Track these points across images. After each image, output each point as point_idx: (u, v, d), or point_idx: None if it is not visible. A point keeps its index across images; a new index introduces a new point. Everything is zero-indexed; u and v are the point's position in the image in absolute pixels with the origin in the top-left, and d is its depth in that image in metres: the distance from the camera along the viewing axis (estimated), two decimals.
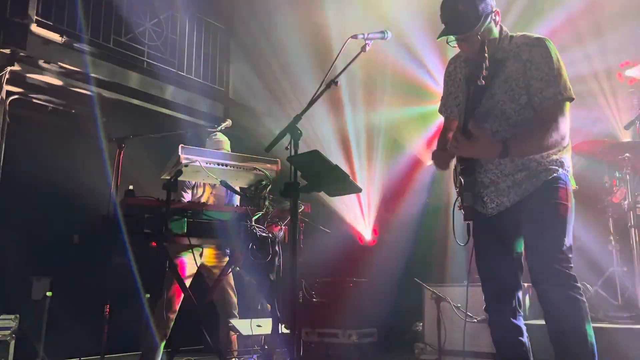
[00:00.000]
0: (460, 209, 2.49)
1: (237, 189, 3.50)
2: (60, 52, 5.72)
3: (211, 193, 4.30)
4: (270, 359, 3.75)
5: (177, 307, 3.96)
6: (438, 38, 2.34)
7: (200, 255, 4.10)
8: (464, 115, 2.29)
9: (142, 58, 6.67)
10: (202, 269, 4.15)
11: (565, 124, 2.27)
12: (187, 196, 4.21)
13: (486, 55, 2.19)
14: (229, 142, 4.41)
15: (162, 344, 3.90)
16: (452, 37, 2.35)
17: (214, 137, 4.35)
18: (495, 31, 2.37)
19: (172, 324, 3.90)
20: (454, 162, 2.58)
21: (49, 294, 4.94)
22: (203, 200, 4.22)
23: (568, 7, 5.32)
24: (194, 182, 4.23)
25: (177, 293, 3.91)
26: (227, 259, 4.16)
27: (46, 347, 4.86)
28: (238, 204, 4.28)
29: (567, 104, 2.30)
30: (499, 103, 2.35)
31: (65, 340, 4.97)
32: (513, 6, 5.24)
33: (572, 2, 5.31)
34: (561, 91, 2.26)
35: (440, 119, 2.83)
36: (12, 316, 4.65)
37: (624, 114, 5.21)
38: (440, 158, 2.55)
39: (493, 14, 2.32)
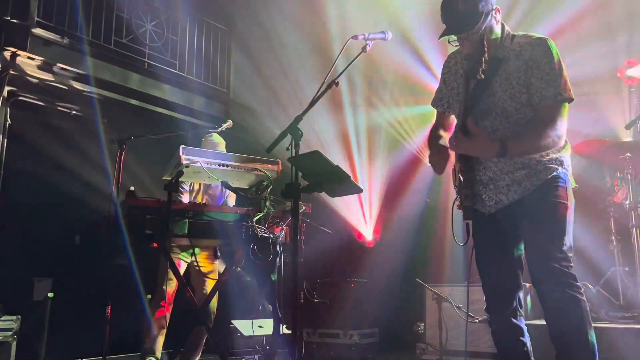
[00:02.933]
0: (459, 209, 2.49)
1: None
2: (61, 53, 5.73)
3: (206, 193, 4.29)
4: (272, 359, 3.75)
5: (172, 300, 3.96)
6: (439, 38, 2.34)
7: (192, 255, 4.08)
8: (463, 112, 2.28)
9: (143, 59, 6.67)
10: (190, 269, 4.15)
11: (563, 124, 2.27)
12: (185, 197, 4.20)
13: (486, 49, 2.19)
14: (224, 143, 4.39)
15: (162, 337, 3.90)
16: (453, 37, 2.35)
17: (209, 138, 4.34)
18: (497, 29, 2.37)
19: (169, 315, 3.90)
20: (452, 162, 2.57)
21: (50, 295, 4.95)
22: (198, 200, 4.22)
23: (571, 7, 5.32)
24: (190, 183, 4.23)
25: (170, 286, 3.93)
26: (217, 262, 4.17)
27: (48, 348, 4.86)
28: (233, 204, 4.28)
29: (566, 104, 2.30)
30: (499, 101, 2.35)
31: (66, 341, 4.97)
32: (516, 5, 5.23)
33: (575, 2, 5.31)
34: (561, 91, 2.27)
35: None
36: (14, 317, 4.65)
37: (625, 113, 5.21)
38: (437, 161, 2.50)
39: (494, 11, 2.32)
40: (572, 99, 2.29)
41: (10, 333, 4.59)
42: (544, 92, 2.27)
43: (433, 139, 2.63)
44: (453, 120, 2.64)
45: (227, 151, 4.34)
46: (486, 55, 2.20)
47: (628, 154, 4.36)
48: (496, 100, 2.35)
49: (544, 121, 2.28)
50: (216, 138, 4.35)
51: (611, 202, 4.55)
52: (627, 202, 4.38)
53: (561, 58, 2.32)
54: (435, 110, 2.73)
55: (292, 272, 2.43)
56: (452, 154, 2.47)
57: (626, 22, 5.22)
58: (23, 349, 4.74)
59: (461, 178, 2.43)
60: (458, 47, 2.42)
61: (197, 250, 4.09)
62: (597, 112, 5.29)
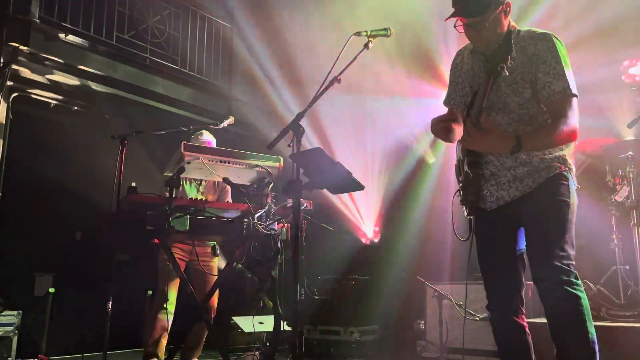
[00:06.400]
0: (462, 204, 2.48)
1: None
2: (62, 48, 5.72)
3: (198, 191, 4.26)
4: (272, 356, 3.76)
5: (173, 301, 3.96)
6: (446, 20, 2.31)
7: (190, 253, 4.06)
8: (479, 108, 2.24)
9: (145, 55, 6.67)
10: (190, 267, 4.14)
11: (575, 118, 2.25)
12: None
13: (512, 45, 2.14)
14: (215, 140, 4.35)
15: (165, 339, 3.90)
16: (459, 23, 2.31)
17: (200, 136, 4.29)
18: (504, 23, 2.34)
19: (171, 317, 3.90)
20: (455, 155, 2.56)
21: (51, 290, 4.96)
22: (191, 197, 4.18)
23: (573, 4, 5.30)
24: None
25: (171, 287, 3.92)
26: (216, 259, 4.16)
27: (49, 343, 4.88)
28: (229, 199, 4.26)
29: (575, 99, 2.29)
30: (502, 96, 2.33)
31: (67, 336, 4.99)
32: (516, 3, 5.21)
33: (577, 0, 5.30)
34: (570, 85, 2.26)
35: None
36: (15, 312, 4.67)
37: (627, 112, 5.20)
38: (441, 129, 2.30)
39: (505, 4, 2.30)
40: (577, 96, 2.28)
41: (11, 328, 4.60)
42: (552, 86, 2.26)
43: None
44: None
45: (227, 148, 4.31)
46: (513, 52, 2.14)
47: (630, 152, 4.36)
48: (499, 95, 2.33)
49: (556, 117, 2.26)
50: (206, 135, 4.31)
51: (613, 200, 4.54)
52: (629, 200, 4.37)
53: (566, 52, 2.30)
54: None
55: (293, 268, 2.44)
56: (457, 132, 2.41)
57: (629, 20, 5.20)
58: (24, 344, 4.76)
59: (470, 173, 2.41)
60: (463, 34, 2.37)
61: (196, 246, 4.07)
62: (599, 111, 5.28)
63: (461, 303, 4.39)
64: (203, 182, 4.25)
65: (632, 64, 5.28)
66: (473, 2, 2.24)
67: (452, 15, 2.28)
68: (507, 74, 2.19)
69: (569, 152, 2.40)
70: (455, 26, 2.34)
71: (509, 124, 2.34)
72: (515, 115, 2.33)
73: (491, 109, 2.34)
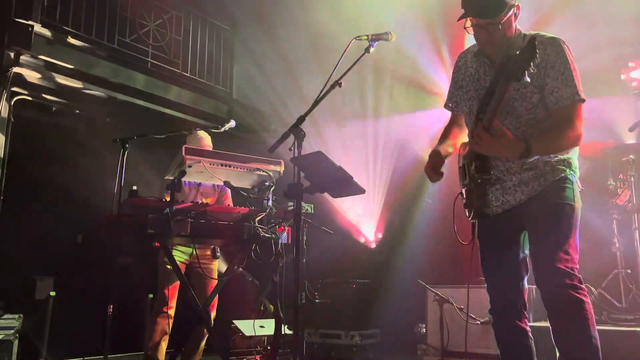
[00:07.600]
0: (465, 208, 2.47)
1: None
2: (64, 52, 5.73)
3: (198, 192, 4.25)
4: None
5: (173, 304, 3.95)
6: (458, 20, 2.29)
7: (190, 255, 4.06)
8: (492, 112, 2.22)
9: (146, 59, 6.67)
10: (190, 270, 4.14)
11: (581, 124, 2.26)
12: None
13: (537, 51, 2.09)
14: (210, 137, 4.34)
15: (165, 342, 3.90)
16: (469, 23, 2.30)
17: (195, 135, 4.28)
18: (514, 26, 2.34)
19: (171, 320, 3.89)
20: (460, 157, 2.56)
21: (52, 293, 4.96)
22: (190, 199, 4.17)
23: (574, 8, 5.30)
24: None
25: (172, 290, 3.92)
26: (216, 262, 4.15)
27: (49, 346, 4.87)
28: (230, 203, 4.26)
29: (581, 104, 2.29)
30: (510, 100, 2.32)
31: (68, 339, 4.98)
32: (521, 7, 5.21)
33: (578, 3, 5.30)
34: (578, 91, 2.26)
35: (443, 118, 2.79)
36: (16, 316, 4.66)
37: (629, 116, 5.20)
38: (431, 174, 2.44)
39: (515, 7, 2.29)
40: (584, 100, 2.28)
41: (12, 331, 4.59)
42: (560, 92, 2.26)
43: (443, 136, 2.61)
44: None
45: (228, 151, 4.31)
46: (537, 58, 2.07)
47: (631, 156, 4.36)
48: (507, 100, 2.31)
49: (564, 122, 2.26)
50: (201, 134, 4.29)
51: (614, 204, 4.54)
52: (630, 204, 4.37)
53: (573, 58, 2.30)
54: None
55: (294, 272, 2.43)
56: (458, 152, 2.44)
57: (632, 23, 5.20)
58: (25, 347, 4.75)
59: (477, 177, 2.38)
60: (472, 36, 2.36)
61: (196, 249, 4.06)
62: (600, 114, 5.27)
63: (462, 307, 4.39)
64: (202, 183, 4.24)
65: (633, 68, 5.29)
66: (487, 3, 2.23)
67: (464, 16, 2.27)
68: (529, 80, 2.15)
69: (574, 155, 2.40)
70: (465, 27, 2.33)
71: (517, 128, 2.33)
72: (522, 120, 2.33)
73: (499, 113, 2.33)
